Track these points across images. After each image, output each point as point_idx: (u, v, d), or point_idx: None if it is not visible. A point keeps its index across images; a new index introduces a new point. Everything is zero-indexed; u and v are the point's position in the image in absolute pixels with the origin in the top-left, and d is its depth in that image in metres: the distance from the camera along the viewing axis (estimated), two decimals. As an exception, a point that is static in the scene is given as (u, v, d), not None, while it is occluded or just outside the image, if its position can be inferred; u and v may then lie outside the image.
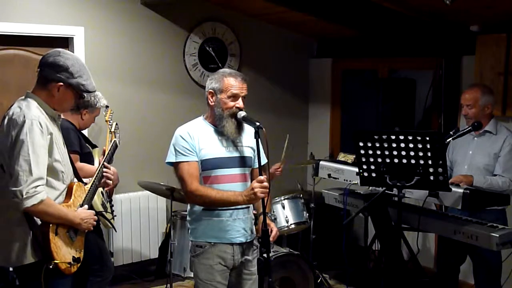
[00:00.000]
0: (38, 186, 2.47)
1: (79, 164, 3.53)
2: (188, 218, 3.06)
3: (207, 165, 2.92)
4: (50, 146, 2.59)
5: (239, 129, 2.94)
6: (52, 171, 2.60)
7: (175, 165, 2.94)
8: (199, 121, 3.03)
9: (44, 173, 2.53)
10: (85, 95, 2.78)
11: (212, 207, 2.92)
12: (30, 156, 2.47)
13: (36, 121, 2.52)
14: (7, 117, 2.59)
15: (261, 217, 2.82)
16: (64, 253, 2.61)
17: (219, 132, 2.95)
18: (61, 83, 2.63)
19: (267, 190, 2.77)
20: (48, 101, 2.66)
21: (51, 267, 2.53)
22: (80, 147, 3.60)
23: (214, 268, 2.93)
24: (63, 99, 2.68)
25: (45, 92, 2.65)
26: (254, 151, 3.03)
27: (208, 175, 2.93)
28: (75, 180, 2.85)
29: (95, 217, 2.81)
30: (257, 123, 2.81)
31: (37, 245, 2.56)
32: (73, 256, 2.66)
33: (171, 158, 2.95)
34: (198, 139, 2.92)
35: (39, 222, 2.58)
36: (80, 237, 2.78)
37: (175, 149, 2.93)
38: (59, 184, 2.65)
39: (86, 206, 2.78)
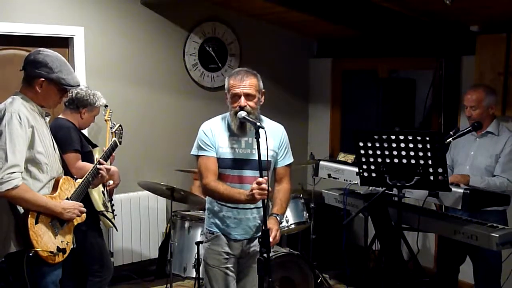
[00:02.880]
0: (13, 172, 2.57)
1: (80, 164, 3.53)
2: (206, 206, 3.19)
3: (222, 164, 3.01)
4: (32, 138, 2.69)
5: (242, 128, 2.96)
6: (34, 163, 2.71)
7: (196, 158, 3.06)
8: (224, 117, 3.10)
9: (21, 162, 2.62)
10: (69, 89, 2.90)
11: (222, 202, 3.03)
12: (7, 145, 2.58)
13: (15, 114, 2.64)
14: None
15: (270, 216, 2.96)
16: (46, 242, 2.68)
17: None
18: (43, 79, 2.74)
19: (265, 192, 2.75)
20: (34, 98, 2.78)
21: (30, 254, 2.60)
22: (81, 146, 3.61)
23: (222, 255, 3.06)
24: (47, 95, 2.79)
25: (30, 90, 2.77)
26: (275, 152, 3.09)
27: (223, 173, 3.02)
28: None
29: (82, 208, 2.88)
30: (257, 123, 2.81)
31: (19, 234, 2.64)
32: (57, 246, 2.72)
33: (194, 151, 3.08)
34: (218, 136, 3.02)
35: (22, 211, 2.65)
36: (67, 229, 2.84)
37: (198, 143, 3.05)
38: (43, 176, 2.74)
39: (71, 201, 2.84)
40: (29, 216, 2.63)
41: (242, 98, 2.92)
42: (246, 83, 2.94)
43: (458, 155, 3.88)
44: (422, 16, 4.50)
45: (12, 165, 2.57)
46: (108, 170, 3.15)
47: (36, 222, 2.65)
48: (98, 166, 3.08)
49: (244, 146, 3.02)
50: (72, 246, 2.90)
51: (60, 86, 2.79)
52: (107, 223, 3.76)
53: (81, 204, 2.89)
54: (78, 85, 2.91)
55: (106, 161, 3.33)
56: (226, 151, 3.01)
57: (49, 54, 2.79)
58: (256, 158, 2.90)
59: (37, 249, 2.61)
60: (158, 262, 5.09)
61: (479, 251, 3.64)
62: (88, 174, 3.05)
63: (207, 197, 3.16)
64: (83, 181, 2.97)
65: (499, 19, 4.29)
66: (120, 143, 3.87)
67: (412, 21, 4.59)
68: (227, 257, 3.07)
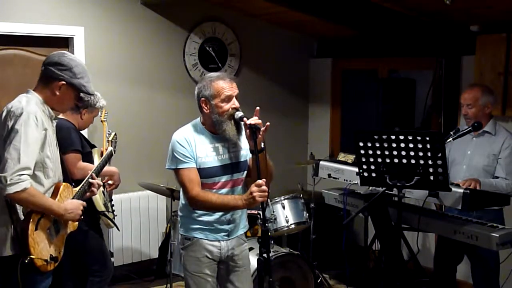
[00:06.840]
0: (23, 174, 2.51)
1: (81, 164, 3.54)
2: (179, 213, 3.12)
3: (204, 174, 2.93)
4: (44, 141, 2.64)
5: (239, 129, 2.94)
6: (41, 167, 2.66)
7: (175, 171, 2.96)
8: (196, 125, 3.02)
9: (32, 164, 2.57)
10: (83, 96, 2.85)
11: (216, 211, 2.96)
12: (21, 145, 2.53)
13: (32, 115, 2.59)
14: (5, 110, 2.65)
15: None
16: (42, 249, 2.63)
17: (216, 138, 2.96)
18: (64, 82, 2.69)
19: (266, 194, 2.75)
20: (48, 100, 2.72)
21: (26, 261, 2.55)
22: (81, 147, 3.62)
23: (201, 261, 2.99)
24: (63, 98, 2.75)
25: (46, 91, 2.72)
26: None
27: (205, 183, 2.94)
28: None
29: (81, 209, 2.81)
30: (257, 124, 2.81)
31: (16, 238, 2.59)
32: (50, 255, 2.68)
33: (171, 164, 2.96)
34: (195, 145, 2.93)
35: (21, 215, 2.61)
36: (61, 237, 2.80)
37: (174, 156, 2.94)
38: (47, 181, 2.69)
39: (75, 200, 2.80)
40: (30, 222, 2.58)
41: (235, 99, 2.91)
42: (235, 85, 2.94)
43: (455, 154, 3.88)
44: (422, 16, 4.50)
45: (23, 167, 2.51)
46: (99, 185, 3.03)
47: (36, 229, 2.60)
48: (90, 180, 2.98)
49: (222, 152, 2.96)
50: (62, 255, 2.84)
51: (78, 92, 2.76)
52: (108, 223, 3.76)
53: (81, 202, 2.83)
54: (93, 94, 2.89)
55: (101, 170, 3.30)
56: (207, 160, 2.93)
57: (73, 58, 2.76)
58: (241, 160, 3.00)
59: (33, 257, 2.56)
60: (158, 262, 5.09)
61: (476, 251, 3.64)
62: (84, 184, 2.99)
63: (180, 203, 3.08)
64: (79, 189, 2.92)
65: (499, 19, 4.29)
66: (114, 152, 3.80)
67: (412, 21, 4.59)
68: (207, 262, 2.99)
